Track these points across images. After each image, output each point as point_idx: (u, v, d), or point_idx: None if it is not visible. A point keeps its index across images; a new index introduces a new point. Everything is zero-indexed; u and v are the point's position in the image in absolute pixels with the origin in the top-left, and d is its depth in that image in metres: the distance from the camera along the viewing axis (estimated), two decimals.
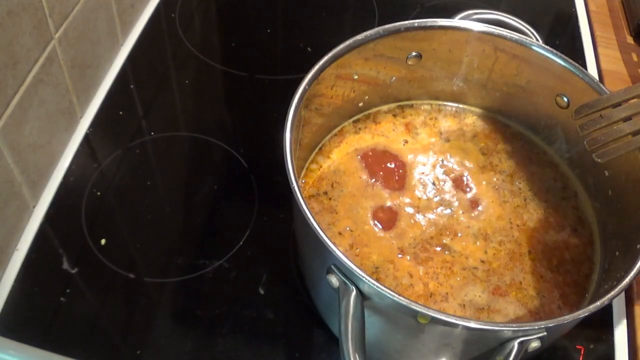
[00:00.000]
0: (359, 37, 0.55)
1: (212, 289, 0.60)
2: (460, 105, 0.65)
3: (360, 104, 0.63)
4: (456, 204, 0.58)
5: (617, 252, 0.52)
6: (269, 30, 0.84)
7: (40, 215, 0.64)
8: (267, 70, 0.79)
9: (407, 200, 0.58)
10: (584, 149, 0.54)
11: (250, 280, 0.60)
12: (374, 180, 0.59)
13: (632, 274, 0.44)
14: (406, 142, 0.62)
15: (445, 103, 0.65)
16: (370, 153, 0.61)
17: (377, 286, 0.41)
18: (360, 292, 0.43)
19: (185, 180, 0.69)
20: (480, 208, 0.58)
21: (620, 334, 0.59)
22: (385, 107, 0.64)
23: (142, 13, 0.83)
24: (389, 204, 0.57)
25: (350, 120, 0.63)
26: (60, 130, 0.67)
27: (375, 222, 0.56)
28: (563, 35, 0.89)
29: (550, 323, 0.41)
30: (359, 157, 0.61)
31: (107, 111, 0.73)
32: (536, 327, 0.41)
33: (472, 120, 0.64)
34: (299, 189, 0.45)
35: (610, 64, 0.82)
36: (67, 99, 0.68)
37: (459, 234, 0.56)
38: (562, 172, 0.61)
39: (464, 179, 0.60)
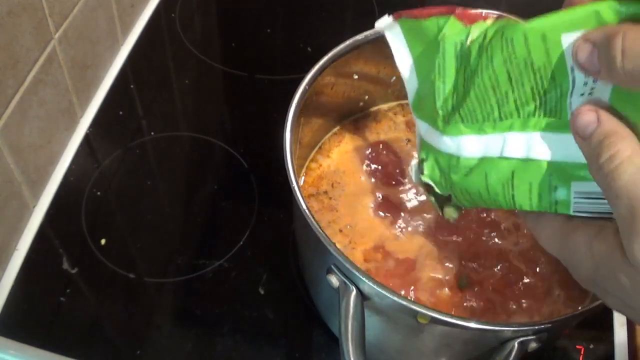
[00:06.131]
0: (359, 37, 0.55)
1: (212, 289, 0.60)
2: None
3: (361, 104, 0.63)
4: None
5: None
6: (269, 30, 0.84)
7: (40, 215, 0.64)
8: (267, 70, 0.79)
9: (409, 199, 0.58)
10: None
11: (250, 280, 0.60)
12: (374, 179, 0.59)
13: None
14: (408, 140, 0.62)
15: None
16: (371, 152, 0.61)
17: (377, 286, 0.41)
18: (360, 292, 0.43)
19: (185, 180, 0.69)
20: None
21: (620, 334, 0.59)
22: (385, 106, 0.64)
23: (142, 13, 0.83)
24: (390, 202, 0.57)
25: (351, 119, 0.63)
26: (60, 130, 0.67)
27: (376, 220, 0.56)
28: None
29: (550, 323, 0.41)
30: (359, 155, 0.61)
31: (107, 111, 0.73)
32: (536, 327, 0.41)
33: None
34: (299, 189, 0.45)
35: None
36: (67, 99, 0.68)
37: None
38: None
39: None
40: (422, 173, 0.42)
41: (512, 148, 0.35)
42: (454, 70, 0.37)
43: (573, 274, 0.33)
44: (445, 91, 0.38)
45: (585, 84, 0.31)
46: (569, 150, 0.32)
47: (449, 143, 0.38)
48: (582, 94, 0.31)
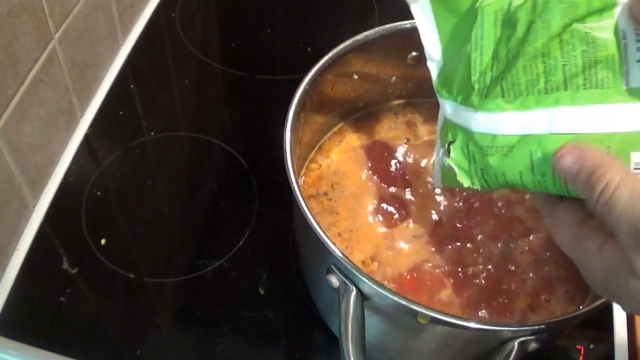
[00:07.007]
0: (359, 37, 0.55)
1: (212, 289, 0.60)
2: None
3: (361, 104, 0.63)
4: (459, 202, 0.58)
5: None
6: (269, 30, 0.84)
7: (40, 215, 0.64)
8: (267, 70, 0.79)
9: (409, 199, 0.58)
10: None
11: (250, 280, 0.60)
12: (375, 179, 0.59)
13: None
14: (407, 140, 0.62)
15: None
16: (371, 152, 0.61)
17: (377, 286, 0.41)
18: (360, 292, 0.43)
19: (185, 180, 0.69)
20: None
21: (620, 334, 0.59)
22: (385, 106, 0.64)
23: (142, 13, 0.83)
24: (390, 203, 0.57)
25: (351, 119, 0.63)
26: (60, 130, 0.67)
27: (376, 222, 0.56)
28: None
29: (551, 323, 0.41)
30: (359, 156, 0.60)
31: (107, 111, 0.73)
32: (536, 327, 0.41)
33: None
34: (299, 189, 0.45)
35: None
36: (67, 99, 0.68)
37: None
38: None
39: None
40: (447, 156, 0.39)
41: (562, 123, 0.32)
42: (492, 40, 0.35)
43: (585, 276, 0.34)
44: (482, 63, 0.35)
45: (638, 49, 0.30)
46: (626, 120, 0.31)
47: (483, 120, 0.36)
48: (638, 60, 0.30)
